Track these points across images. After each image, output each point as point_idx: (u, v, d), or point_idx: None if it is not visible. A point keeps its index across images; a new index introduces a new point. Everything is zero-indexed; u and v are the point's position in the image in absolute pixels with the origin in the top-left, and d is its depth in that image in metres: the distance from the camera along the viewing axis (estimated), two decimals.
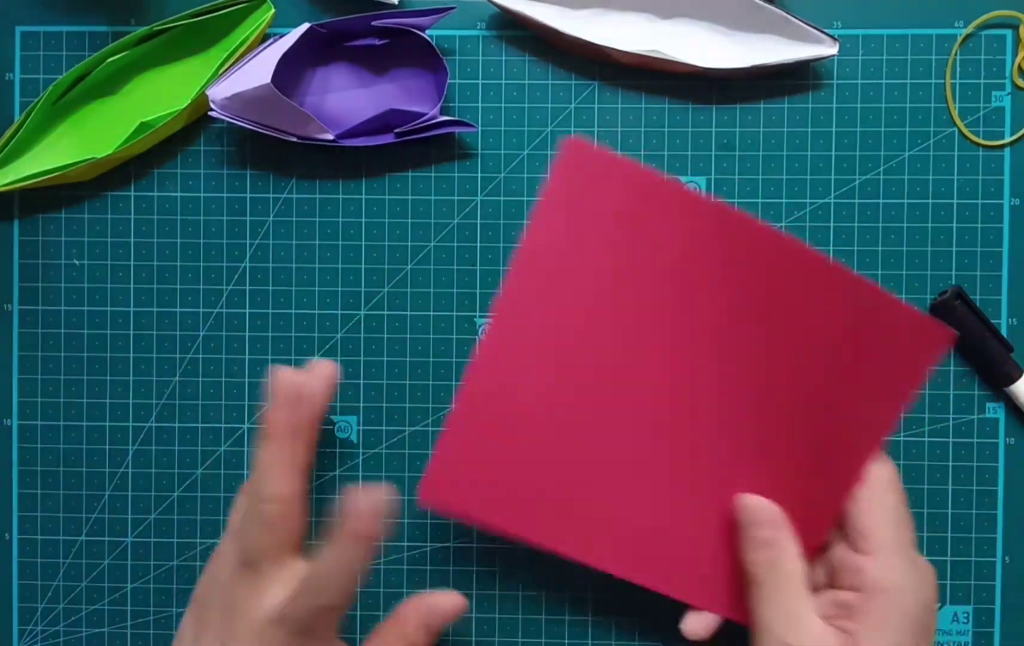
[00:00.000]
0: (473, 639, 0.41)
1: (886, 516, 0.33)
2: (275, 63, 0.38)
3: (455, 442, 0.36)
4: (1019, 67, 0.40)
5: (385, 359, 0.41)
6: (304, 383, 0.35)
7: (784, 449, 0.35)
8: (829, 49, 0.39)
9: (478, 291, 0.41)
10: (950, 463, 0.40)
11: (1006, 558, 0.40)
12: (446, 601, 0.36)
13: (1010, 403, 0.40)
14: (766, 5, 0.39)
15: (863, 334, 0.34)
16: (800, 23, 0.39)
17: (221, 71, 0.40)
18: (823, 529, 0.35)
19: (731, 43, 0.40)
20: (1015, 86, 0.40)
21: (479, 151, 0.41)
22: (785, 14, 0.39)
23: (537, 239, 0.35)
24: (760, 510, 0.34)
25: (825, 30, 0.39)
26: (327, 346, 0.41)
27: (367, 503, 0.32)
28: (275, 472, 0.34)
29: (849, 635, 0.32)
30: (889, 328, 0.34)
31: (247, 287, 0.41)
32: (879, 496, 0.33)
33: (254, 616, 0.33)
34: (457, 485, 0.36)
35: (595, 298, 0.35)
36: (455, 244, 0.41)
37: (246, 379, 0.41)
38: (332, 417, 0.41)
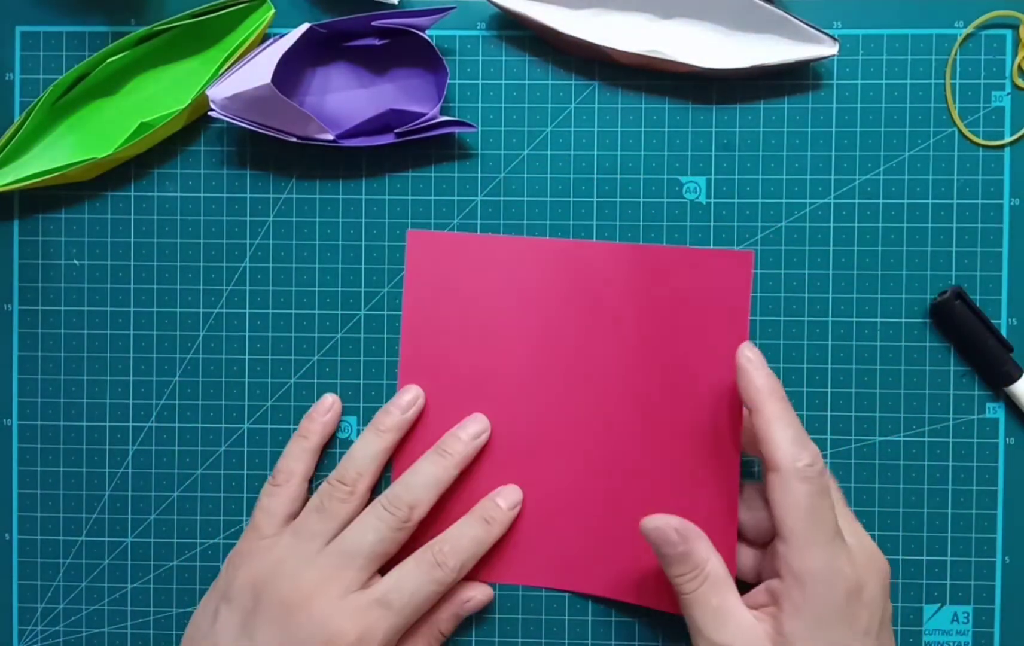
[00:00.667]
0: (473, 639, 0.41)
1: (796, 506, 0.33)
2: (275, 63, 0.38)
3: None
4: (1019, 67, 0.40)
5: (385, 359, 0.41)
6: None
7: (672, 441, 0.39)
8: (829, 49, 0.39)
9: None
10: (950, 463, 0.40)
11: (1006, 558, 0.40)
12: (476, 593, 0.39)
13: (1010, 403, 0.40)
14: (766, 5, 0.39)
15: (691, 292, 0.39)
16: (800, 23, 0.39)
17: (221, 71, 0.40)
18: (732, 512, 0.38)
19: (731, 43, 0.40)
20: (1015, 86, 0.40)
21: (479, 151, 0.41)
22: (785, 14, 0.39)
23: (413, 321, 0.40)
24: (664, 530, 0.35)
25: (825, 30, 0.39)
26: (327, 346, 0.41)
27: (509, 493, 0.39)
28: (432, 490, 0.38)
29: (776, 621, 0.33)
30: (706, 276, 0.39)
31: (247, 287, 0.41)
32: (788, 485, 0.33)
33: (355, 597, 0.36)
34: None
35: (476, 351, 0.40)
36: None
37: (246, 379, 0.41)
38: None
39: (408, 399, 0.40)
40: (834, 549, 0.33)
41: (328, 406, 0.40)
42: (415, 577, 0.36)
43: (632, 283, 0.39)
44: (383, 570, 0.37)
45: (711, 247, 0.40)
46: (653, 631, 0.40)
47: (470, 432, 0.39)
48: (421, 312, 0.40)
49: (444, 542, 0.37)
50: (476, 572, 0.39)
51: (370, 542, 0.36)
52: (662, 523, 0.35)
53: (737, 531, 0.38)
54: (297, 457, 0.39)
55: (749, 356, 0.36)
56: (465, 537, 0.38)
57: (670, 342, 0.39)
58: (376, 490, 0.39)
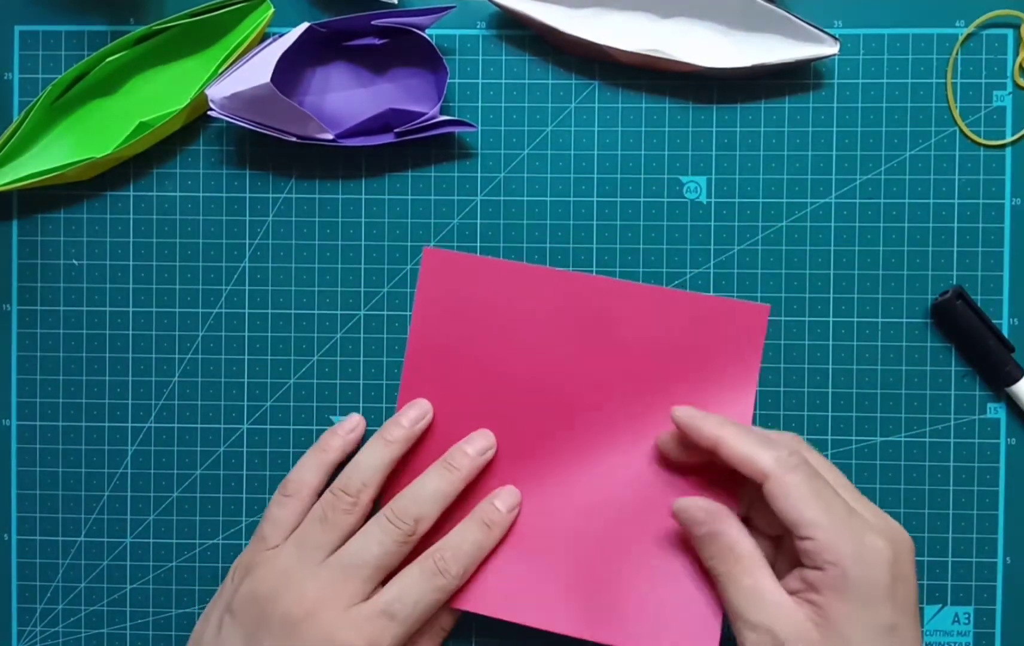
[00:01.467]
0: (473, 640, 0.41)
1: (801, 497, 0.33)
2: (274, 62, 0.37)
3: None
4: (1020, 66, 0.40)
5: (385, 359, 0.41)
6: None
7: (673, 481, 0.39)
8: (830, 48, 0.39)
9: None
10: (951, 464, 0.40)
11: (1007, 559, 0.40)
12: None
13: (1011, 403, 0.40)
14: (767, 5, 0.39)
15: (703, 340, 0.39)
16: (801, 23, 0.39)
17: (220, 70, 0.39)
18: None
19: (731, 43, 0.40)
20: (1016, 86, 0.40)
21: (479, 151, 0.41)
22: (786, 13, 0.39)
23: (420, 337, 0.40)
24: (696, 508, 0.35)
25: (826, 30, 0.39)
26: (327, 346, 0.41)
27: (507, 495, 0.39)
28: (438, 504, 0.38)
29: (818, 606, 0.32)
30: (720, 325, 0.39)
31: (246, 287, 0.41)
32: (784, 484, 0.33)
33: (360, 609, 0.35)
34: None
35: (481, 374, 0.40)
36: (455, 244, 0.41)
37: (245, 379, 0.41)
38: (332, 417, 0.41)
39: (416, 413, 0.39)
40: (858, 526, 0.33)
41: (353, 426, 0.40)
42: (418, 586, 0.36)
43: (646, 324, 0.39)
44: (385, 579, 0.37)
45: (733, 300, 0.40)
46: None
47: (477, 447, 0.39)
48: (429, 329, 0.40)
49: (445, 549, 0.37)
50: (470, 598, 0.39)
51: (374, 555, 0.36)
52: (690, 503, 0.35)
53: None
54: (313, 470, 0.39)
55: (682, 416, 0.36)
56: (466, 542, 0.38)
57: (679, 384, 0.39)
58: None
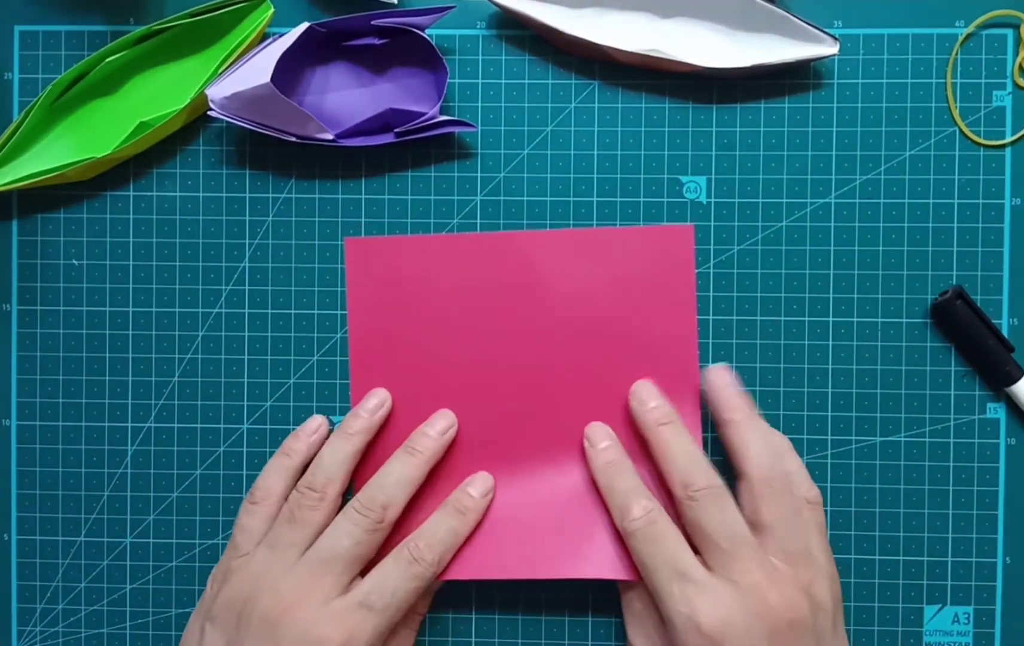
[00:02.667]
0: (473, 640, 0.41)
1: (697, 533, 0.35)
2: (274, 62, 0.37)
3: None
4: (1020, 66, 0.40)
5: None
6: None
7: (631, 417, 0.39)
8: (830, 49, 0.39)
9: None
10: (951, 464, 0.40)
11: (1007, 559, 0.40)
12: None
13: (1011, 403, 0.40)
14: (767, 5, 0.39)
15: (635, 272, 0.39)
16: (800, 23, 0.39)
17: (220, 70, 0.39)
18: None
19: (731, 42, 0.40)
20: (1016, 86, 0.40)
21: (479, 151, 0.41)
22: (785, 13, 0.39)
23: (360, 328, 0.40)
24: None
25: (826, 30, 0.39)
26: (326, 346, 0.41)
27: (480, 482, 0.39)
28: (404, 489, 0.38)
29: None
30: (648, 254, 0.40)
31: (246, 287, 0.41)
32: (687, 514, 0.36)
33: (337, 603, 0.35)
34: None
35: (427, 351, 0.40)
36: None
37: (245, 379, 0.41)
38: (332, 417, 0.41)
39: (376, 402, 0.39)
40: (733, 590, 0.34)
41: (315, 428, 0.40)
42: (395, 576, 0.36)
43: (577, 269, 0.40)
44: (363, 573, 0.37)
45: (655, 226, 0.40)
46: None
47: (438, 428, 0.39)
48: (367, 319, 0.40)
49: (420, 538, 0.37)
50: (450, 569, 0.39)
51: (346, 546, 0.36)
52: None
53: None
54: (278, 476, 0.39)
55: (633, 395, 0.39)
56: (440, 530, 0.38)
57: (621, 320, 0.40)
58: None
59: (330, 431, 0.40)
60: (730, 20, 0.39)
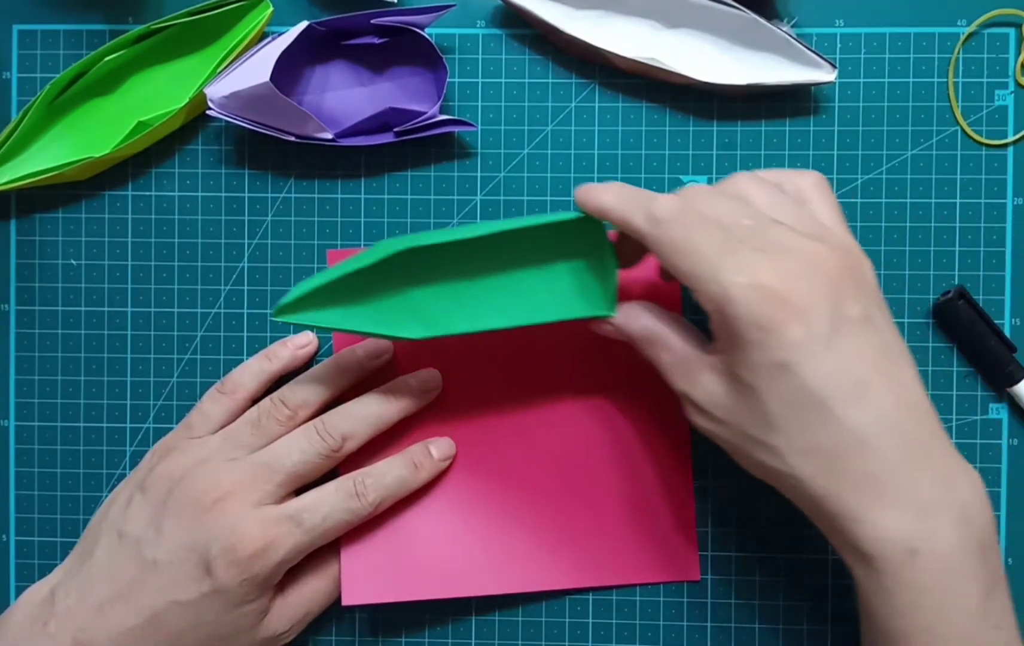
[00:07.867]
0: (473, 640, 0.41)
1: (677, 253, 0.31)
2: (274, 61, 0.37)
3: (357, 541, 0.39)
4: (1022, 66, 0.40)
5: None
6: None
7: (623, 427, 0.40)
8: (827, 75, 0.38)
9: None
10: None
11: (1009, 560, 0.40)
12: None
13: (1013, 404, 0.40)
14: (768, 25, 0.38)
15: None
16: (800, 46, 0.38)
17: (219, 69, 0.39)
18: (687, 486, 0.39)
19: (730, 59, 0.39)
20: (1018, 85, 0.40)
21: (479, 150, 0.41)
22: (787, 36, 0.38)
23: (343, 340, 0.40)
24: (626, 327, 0.35)
25: (824, 55, 0.38)
26: (326, 347, 0.41)
27: (442, 445, 0.39)
28: (370, 426, 0.38)
29: (724, 361, 0.31)
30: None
31: (245, 287, 0.41)
32: (657, 244, 0.31)
33: (269, 509, 0.35)
34: (373, 579, 0.39)
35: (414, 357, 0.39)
36: None
37: None
38: None
39: (377, 349, 0.39)
40: (733, 265, 0.29)
41: (305, 342, 0.40)
42: (331, 502, 0.36)
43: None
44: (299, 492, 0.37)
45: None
46: (654, 633, 0.40)
47: (421, 377, 0.39)
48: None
49: (368, 475, 0.37)
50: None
51: (294, 461, 0.36)
52: (621, 322, 0.35)
53: (694, 500, 0.39)
54: (253, 375, 0.39)
55: (577, 195, 0.34)
56: (389, 475, 0.37)
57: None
58: None
59: (318, 356, 0.40)
60: (732, 35, 0.39)
